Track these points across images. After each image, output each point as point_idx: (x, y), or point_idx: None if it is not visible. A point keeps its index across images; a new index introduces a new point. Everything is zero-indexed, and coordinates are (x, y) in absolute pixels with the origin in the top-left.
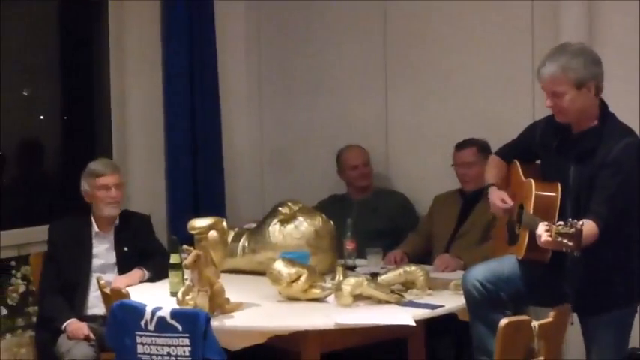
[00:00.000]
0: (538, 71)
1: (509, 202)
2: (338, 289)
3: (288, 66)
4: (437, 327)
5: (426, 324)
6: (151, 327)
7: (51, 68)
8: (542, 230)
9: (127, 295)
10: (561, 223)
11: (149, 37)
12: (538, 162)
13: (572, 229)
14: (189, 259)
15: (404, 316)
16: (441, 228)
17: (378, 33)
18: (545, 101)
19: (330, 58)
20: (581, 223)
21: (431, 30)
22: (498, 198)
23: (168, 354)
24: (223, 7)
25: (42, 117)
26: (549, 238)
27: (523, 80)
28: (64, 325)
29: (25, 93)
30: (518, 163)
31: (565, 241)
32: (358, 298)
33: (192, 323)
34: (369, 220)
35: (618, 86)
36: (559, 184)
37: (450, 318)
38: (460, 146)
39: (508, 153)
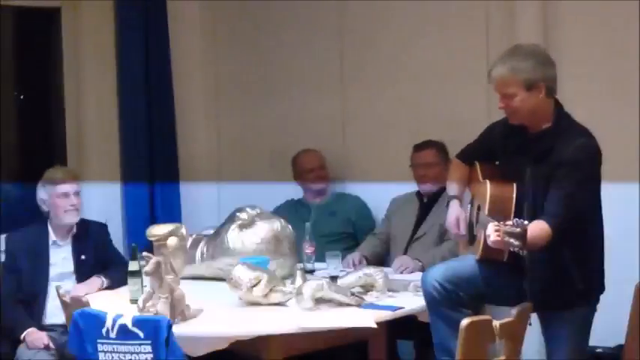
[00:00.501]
0: (489, 73)
1: (463, 230)
2: (299, 292)
3: (244, 70)
4: (397, 328)
5: (387, 326)
6: (113, 335)
7: (6, 78)
8: (492, 230)
9: (87, 304)
10: (510, 222)
11: (104, 44)
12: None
13: (518, 229)
14: (149, 266)
15: (365, 319)
16: (399, 230)
17: (335, 35)
18: (499, 103)
19: (286, 61)
20: (526, 222)
21: (387, 31)
22: (455, 218)
23: None
24: (178, 13)
25: None
26: (498, 238)
27: (478, 81)
28: (23, 335)
29: None
30: (477, 164)
31: (512, 240)
32: (319, 301)
33: (153, 330)
34: (327, 224)
35: (573, 87)
36: (514, 185)
37: (410, 319)
38: (419, 147)
39: (469, 155)
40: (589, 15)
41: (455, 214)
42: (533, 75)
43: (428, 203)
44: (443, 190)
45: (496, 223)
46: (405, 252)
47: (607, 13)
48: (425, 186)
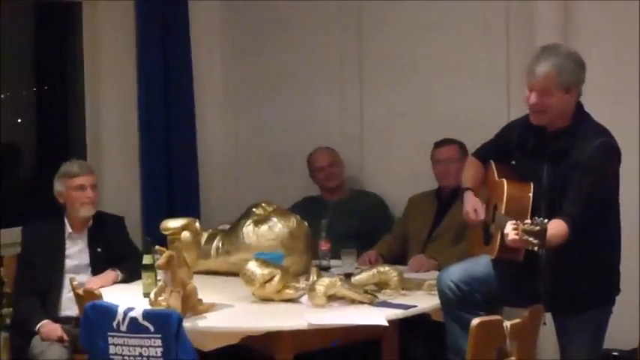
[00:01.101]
0: (532, 69)
1: (481, 215)
2: (311, 289)
3: (264, 68)
4: (411, 327)
5: (399, 324)
6: (123, 328)
7: (26, 72)
8: (510, 229)
9: (100, 296)
10: (528, 221)
11: (123, 40)
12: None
13: (538, 227)
14: (161, 260)
15: (377, 317)
16: (416, 229)
17: (354, 34)
18: (530, 98)
19: (306, 60)
20: (546, 221)
21: (407, 31)
22: (472, 206)
23: (140, 355)
24: (198, 10)
25: (19, 120)
26: (516, 237)
27: (498, 81)
28: (37, 327)
29: (1, 96)
30: (493, 164)
31: (530, 239)
32: (332, 298)
33: (164, 324)
34: (344, 222)
35: (592, 88)
36: (532, 184)
37: (423, 318)
38: (442, 143)
39: (485, 153)
40: (609, 13)
41: (472, 202)
42: (573, 77)
43: (445, 202)
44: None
45: (514, 221)
46: (422, 251)
47: (627, 12)
48: (446, 181)
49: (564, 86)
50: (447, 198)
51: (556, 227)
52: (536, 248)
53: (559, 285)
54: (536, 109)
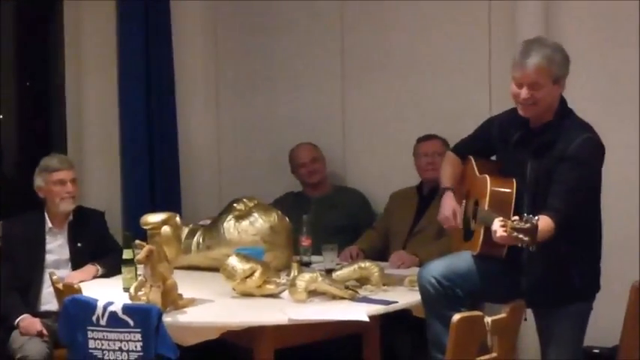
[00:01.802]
0: (521, 62)
1: (459, 224)
2: (292, 284)
3: (244, 63)
4: (393, 323)
5: (381, 320)
6: (103, 322)
7: (6, 66)
8: (498, 226)
9: (79, 291)
10: (516, 218)
11: (105, 34)
12: (493, 158)
13: (528, 224)
14: (141, 255)
15: (357, 312)
16: (397, 225)
17: (335, 29)
18: (521, 92)
19: (287, 55)
20: (537, 218)
21: (389, 26)
22: (451, 211)
23: (120, 349)
24: (179, 5)
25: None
26: (505, 234)
27: (480, 77)
28: (16, 321)
29: None
30: (472, 159)
31: (521, 236)
32: (313, 294)
33: (144, 318)
34: (326, 217)
35: (574, 84)
36: (514, 180)
37: (405, 314)
38: (426, 138)
39: (464, 149)
40: (590, 11)
41: (451, 206)
42: (562, 69)
43: (427, 198)
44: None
45: (502, 218)
46: (404, 247)
47: (608, 10)
48: (430, 174)
49: (554, 77)
50: (428, 193)
51: (544, 223)
52: (525, 245)
53: (542, 279)
54: (529, 102)
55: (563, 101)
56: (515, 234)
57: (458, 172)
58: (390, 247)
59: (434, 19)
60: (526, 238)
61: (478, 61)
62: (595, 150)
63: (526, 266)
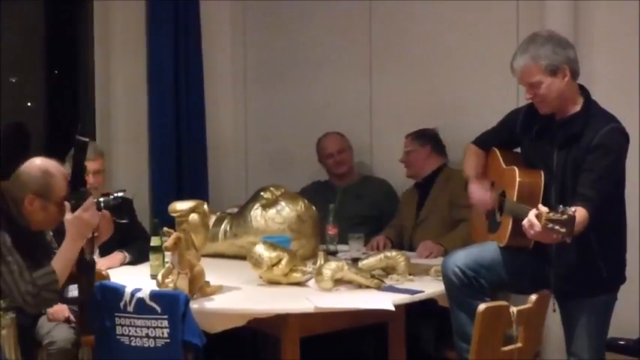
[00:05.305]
0: (511, 66)
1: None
2: (319, 273)
3: (272, 53)
4: (418, 312)
5: (407, 309)
6: (130, 308)
7: (37, 56)
8: (534, 217)
9: (107, 277)
10: (545, 209)
11: (134, 24)
12: (517, 150)
13: (565, 216)
14: (169, 242)
15: (383, 301)
16: (405, 220)
17: (364, 20)
18: (525, 94)
19: (315, 45)
20: (574, 209)
21: (417, 19)
22: (481, 192)
23: (147, 335)
24: None
25: (29, 104)
26: (539, 227)
27: (507, 69)
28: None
29: (12, 80)
30: (497, 151)
31: (557, 227)
32: (339, 282)
33: (171, 305)
34: (352, 206)
35: (604, 84)
36: (542, 171)
37: (431, 303)
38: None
39: (487, 141)
40: (619, 10)
41: (480, 189)
42: (555, 59)
43: (424, 189)
44: (434, 174)
45: (536, 210)
46: (411, 239)
47: (637, 9)
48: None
49: (549, 70)
50: (423, 184)
51: (580, 214)
52: (562, 237)
53: (569, 270)
54: (536, 100)
55: (586, 92)
56: (551, 225)
57: (481, 163)
58: (403, 241)
59: (463, 12)
60: (563, 230)
61: (506, 54)
62: (622, 139)
63: (555, 257)
